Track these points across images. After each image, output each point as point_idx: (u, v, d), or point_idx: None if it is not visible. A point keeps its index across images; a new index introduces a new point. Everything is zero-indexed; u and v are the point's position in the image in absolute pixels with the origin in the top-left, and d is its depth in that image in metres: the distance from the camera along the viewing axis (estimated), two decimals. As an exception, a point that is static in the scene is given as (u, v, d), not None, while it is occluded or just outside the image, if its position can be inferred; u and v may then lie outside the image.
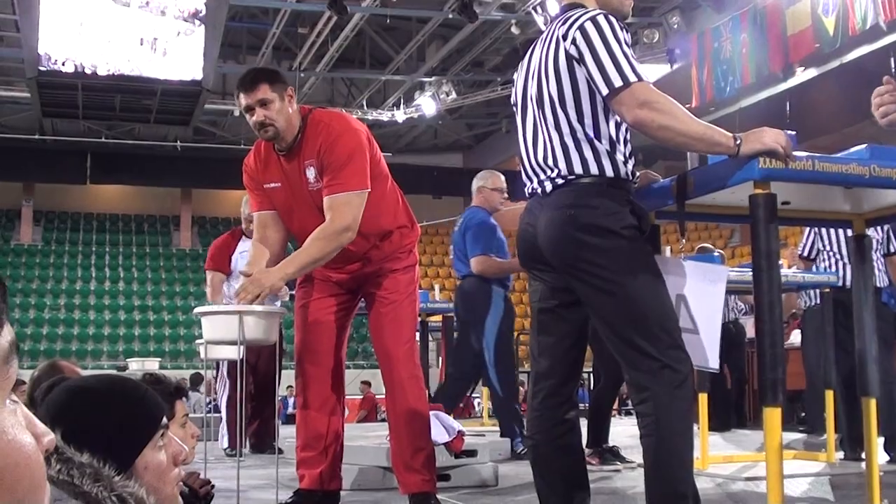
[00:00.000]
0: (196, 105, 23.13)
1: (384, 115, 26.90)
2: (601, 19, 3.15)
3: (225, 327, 4.39)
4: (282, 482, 4.73)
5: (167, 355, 25.02)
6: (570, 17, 3.24)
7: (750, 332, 10.03)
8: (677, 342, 3.08)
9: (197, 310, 4.62)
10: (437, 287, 12.65)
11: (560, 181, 3.23)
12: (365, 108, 26.71)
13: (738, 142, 3.03)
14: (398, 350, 4.55)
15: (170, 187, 30.46)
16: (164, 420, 1.98)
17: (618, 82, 3.06)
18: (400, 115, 26.82)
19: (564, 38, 3.20)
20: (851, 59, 17.00)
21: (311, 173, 4.34)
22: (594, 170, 3.19)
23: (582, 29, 3.16)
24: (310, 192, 4.37)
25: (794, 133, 3.10)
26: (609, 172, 3.19)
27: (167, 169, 28.29)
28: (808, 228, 7.35)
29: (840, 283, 6.73)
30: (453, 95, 25.20)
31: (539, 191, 3.31)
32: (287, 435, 7.43)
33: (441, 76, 25.01)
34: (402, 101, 26.54)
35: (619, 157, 3.22)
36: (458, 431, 5.56)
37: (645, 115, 3.05)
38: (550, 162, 3.26)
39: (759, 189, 3.09)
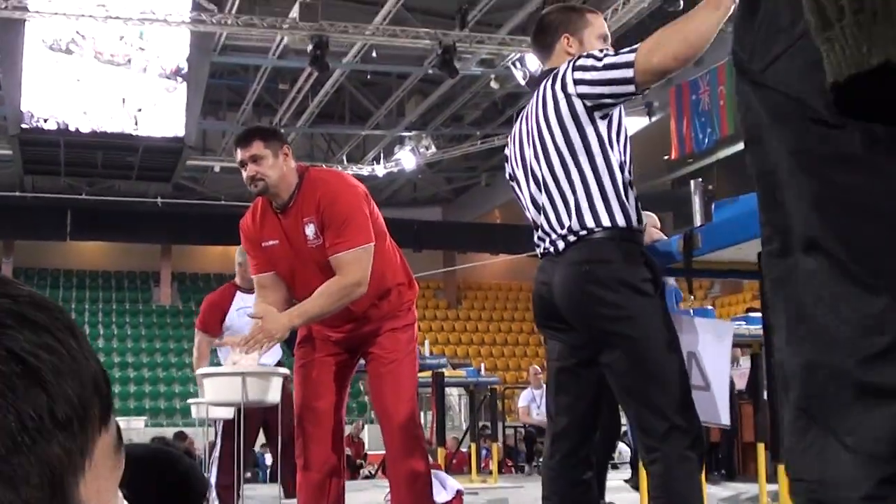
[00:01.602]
0: (178, 161, 23.15)
1: (364, 170, 26.95)
2: (584, 55, 3.27)
3: (228, 388, 4.40)
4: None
5: (148, 412, 24.81)
6: (557, 70, 3.33)
7: (739, 383, 10.01)
8: (688, 402, 3.10)
9: (199, 371, 4.62)
10: (427, 342, 12.61)
11: (572, 238, 3.26)
12: (345, 162, 26.76)
13: None
14: (399, 411, 4.53)
15: (150, 243, 30.33)
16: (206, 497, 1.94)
17: (628, 56, 3.13)
18: (380, 170, 26.88)
19: (564, 86, 3.27)
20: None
21: (310, 230, 4.36)
22: (606, 221, 3.22)
23: (571, 65, 3.25)
24: (310, 248, 4.38)
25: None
26: (621, 223, 3.22)
27: (147, 225, 28.16)
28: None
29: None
30: (433, 149, 25.30)
31: (552, 250, 3.33)
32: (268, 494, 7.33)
33: (421, 130, 25.13)
34: (381, 155, 26.61)
35: (630, 205, 3.26)
36: (457, 491, 5.55)
37: (657, 61, 3.13)
38: (563, 219, 3.29)
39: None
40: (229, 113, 25.69)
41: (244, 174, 4.39)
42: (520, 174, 3.50)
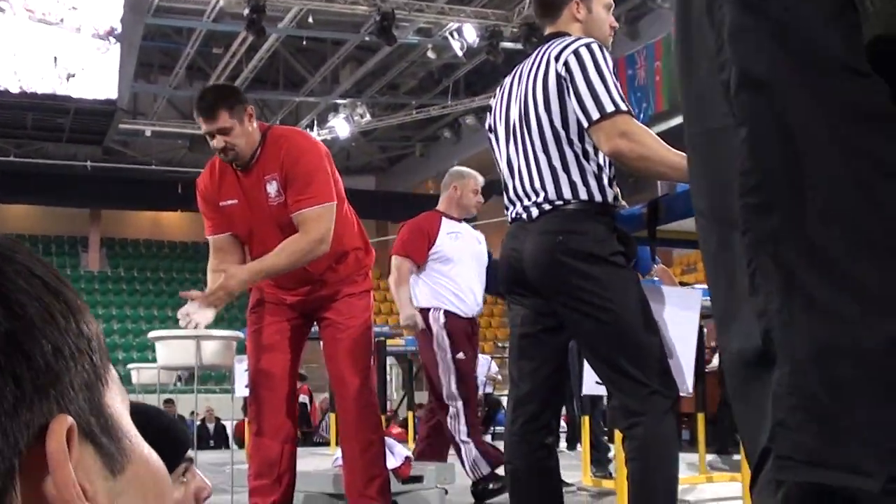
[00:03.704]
0: (109, 124, 22.83)
1: (298, 137, 26.73)
2: (595, 47, 3.22)
3: (182, 352, 4.35)
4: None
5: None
6: (563, 42, 3.29)
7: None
8: (665, 367, 3.12)
9: (152, 334, 4.56)
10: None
11: (547, 206, 3.26)
12: (279, 129, 26.52)
13: None
14: (354, 378, 4.51)
15: (79, 207, 29.90)
16: (191, 453, 1.90)
17: (609, 108, 3.12)
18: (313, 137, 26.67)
19: (557, 59, 3.25)
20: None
21: (272, 187, 4.33)
22: (583, 194, 3.23)
23: (576, 52, 3.22)
24: (270, 206, 4.35)
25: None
26: (597, 197, 3.24)
27: (76, 189, 27.73)
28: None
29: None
30: (367, 118, 25.17)
31: (524, 216, 3.33)
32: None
33: (356, 98, 24.98)
34: (315, 122, 26.41)
35: (605, 181, 3.27)
36: (406, 457, 5.55)
37: (624, 146, 3.11)
38: (538, 186, 3.29)
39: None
40: (161, 76, 25.33)
41: (212, 144, 4.31)
42: (500, 130, 3.49)
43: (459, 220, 6.49)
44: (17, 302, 0.62)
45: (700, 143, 1.27)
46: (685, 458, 7.08)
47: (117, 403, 0.70)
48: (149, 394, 7.83)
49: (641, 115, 19.97)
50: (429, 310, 6.20)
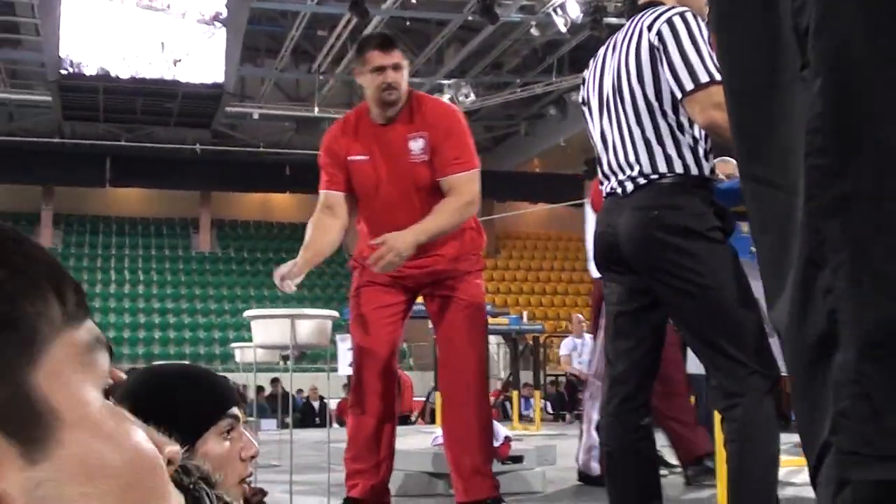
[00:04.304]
0: (217, 108, 23.17)
1: (403, 118, 26.80)
2: (689, 16, 3.12)
3: (277, 331, 4.34)
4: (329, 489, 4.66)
5: (188, 358, 24.98)
6: (657, 11, 3.19)
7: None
8: (765, 346, 3.01)
9: (247, 313, 4.56)
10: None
11: (642, 180, 3.16)
12: (384, 110, 26.63)
13: None
14: (473, 355, 4.46)
15: (189, 190, 30.42)
16: (235, 410, 1.94)
17: (703, 78, 3.02)
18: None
19: (650, 28, 3.15)
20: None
21: (416, 145, 4.33)
22: (678, 167, 3.13)
23: (670, 22, 3.12)
24: (410, 162, 4.33)
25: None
26: (693, 170, 3.13)
27: (186, 172, 28.25)
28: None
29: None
30: (472, 97, 25.11)
31: (619, 190, 3.24)
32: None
33: (460, 78, 24.93)
34: (420, 103, 26.41)
35: (702, 153, 3.16)
36: (505, 437, 5.49)
37: (719, 117, 2.99)
38: (632, 159, 3.19)
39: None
40: (267, 60, 25.61)
41: (379, 79, 4.30)
42: (594, 101, 3.40)
43: None
44: None
45: (759, 99, 1.15)
46: (791, 439, 6.93)
47: (63, 379, 0.63)
48: (248, 372, 7.94)
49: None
50: None
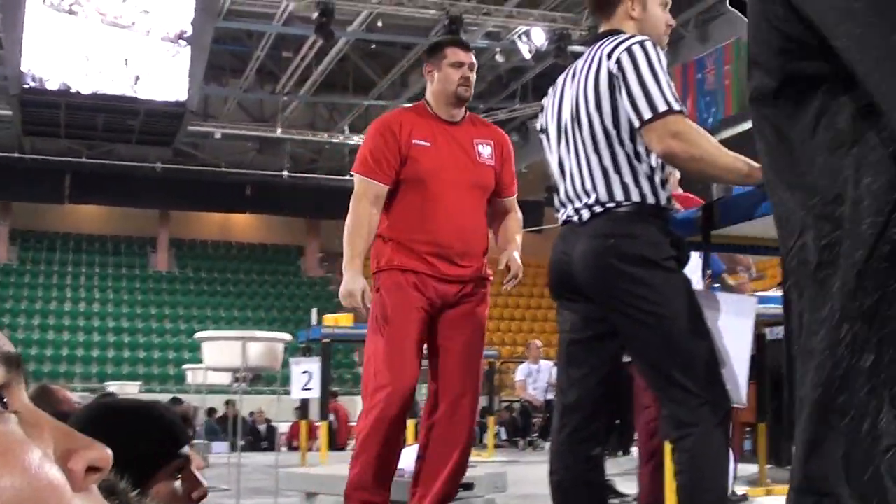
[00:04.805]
0: (179, 126, 23.01)
1: (366, 141, 26.77)
2: (648, 45, 3.12)
3: (228, 353, 4.29)
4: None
5: (142, 378, 24.75)
6: (618, 39, 3.19)
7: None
8: (718, 378, 3.00)
9: (198, 335, 4.51)
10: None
11: (598, 208, 3.16)
12: (347, 132, 26.63)
13: None
14: (475, 381, 4.46)
15: (148, 208, 30.24)
16: (187, 450, 1.95)
17: (662, 107, 3.01)
18: (382, 141, 26.68)
19: (609, 56, 3.15)
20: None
21: (485, 149, 4.51)
22: (635, 196, 3.12)
23: (629, 50, 3.12)
24: (475, 162, 4.47)
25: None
26: (650, 199, 3.13)
27: (146, 190, 28.06)
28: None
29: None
30: (436, 122, 25.11)
31: (576, 218, 3.23)
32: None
33: (424, 102, 24.91)
34: (384, 126, 26.39)
35: (658, 182, 3.16)
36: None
37: (676, 146, 3.00)
38: (589, 187, 3.19)
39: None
40: (232, 79, 25.53)
41: (458, 73, 4.46)
42: (552, 129, 3.39)
43: None
44: None
45: None
46: (746, 470, 6.94)
47: None
48: (199, 394, 7.83)
49: (710, 120, 19.66)
50: None
